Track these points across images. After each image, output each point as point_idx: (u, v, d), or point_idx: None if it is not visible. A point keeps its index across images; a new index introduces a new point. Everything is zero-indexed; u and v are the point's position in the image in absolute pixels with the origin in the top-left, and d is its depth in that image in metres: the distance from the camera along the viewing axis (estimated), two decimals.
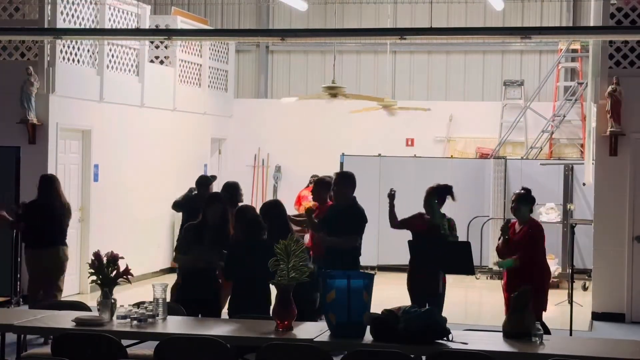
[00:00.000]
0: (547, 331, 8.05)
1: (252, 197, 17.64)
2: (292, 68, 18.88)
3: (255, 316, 7.06)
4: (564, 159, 16.11)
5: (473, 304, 13.65)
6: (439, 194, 8.91)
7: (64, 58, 12.68)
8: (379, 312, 6.27)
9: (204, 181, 11.93)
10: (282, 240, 6.48)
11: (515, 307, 6.40)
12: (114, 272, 6.75)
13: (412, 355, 6.01)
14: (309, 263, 6.75)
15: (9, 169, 12.17)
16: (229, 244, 8.18)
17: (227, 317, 7.66)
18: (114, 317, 6.69)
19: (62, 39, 11.84)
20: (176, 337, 6.33)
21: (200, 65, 16.73)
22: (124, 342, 6.44)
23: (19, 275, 11.58)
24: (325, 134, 17.61)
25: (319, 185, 10.03)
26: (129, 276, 6.82)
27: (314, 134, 17.71)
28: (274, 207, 8.92)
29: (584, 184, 14.13)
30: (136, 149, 14.41)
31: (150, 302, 6.84)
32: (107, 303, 6.71)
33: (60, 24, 12.30)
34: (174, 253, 8.63)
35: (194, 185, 12.24)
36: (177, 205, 12.50)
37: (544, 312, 8.60)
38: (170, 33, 13.09)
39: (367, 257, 13.76)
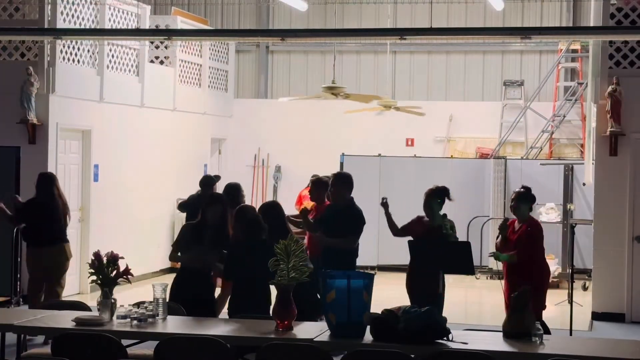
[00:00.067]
0: (547, 331, 8.06)
1: (252, 197, 17.64)
2: (292, 68, 18.88)
3: (255, 316, 7.06)
4: (564, 159, 16.12)
5: (473, 304, 13.65)
6: (438, 195, 8.89)
7: (64, 58, 12.68)
8: (379, 312, 6.28)
9: (208, 181, 11.90)
10: (282, 240, 6.48)
11: (515, 307, 6.40)
12: (114, 272, 6.75)
13: (412, 355, 6.01)
14: (309, 263, 6.74)
15: (9, 169, 12.17)
16: (229, 244, 8.19)
17: (227, 317, 7.66)
18: (114, 317, 6.70)
19: (62, 39, 11.83)
20: (176, 337, 6.33)
21: (200, 65, 16.74)
22: (124, 342, 6.44)
23: (19, 275, 11.58)
24: (325, 134, 17.62)
25: (317, 186, 10.03)
26: (129, 276, 6.82)
27: (314, 134, 17.72)
28: (272, 208, 8.93)
29: (584, 184, 14.13)
30: (136, 149, 14.42)
31: (150, 302, 6.84)
32: (107, 303, 6.71)
33: (60, 24, 12.30)
34: (172, 251, 8.59)
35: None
36: (182, 206, 12.47)
37: (543, 311, 8.60)
38: (170, 33, 13.09)
39: (367, 257, 13.85)
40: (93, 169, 13.35)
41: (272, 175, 18.14)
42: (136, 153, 14.42)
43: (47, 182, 10.03)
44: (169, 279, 8.47)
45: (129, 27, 13.86)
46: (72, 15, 12.74)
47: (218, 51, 17.43)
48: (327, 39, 15.31)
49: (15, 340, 7.32)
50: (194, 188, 13.19)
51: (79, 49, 13.00)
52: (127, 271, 6.79)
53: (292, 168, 17.76)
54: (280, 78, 18.95)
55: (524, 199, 8.77)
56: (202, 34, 14.32)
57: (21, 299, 11.60)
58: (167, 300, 6.95)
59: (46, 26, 12.17)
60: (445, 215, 8.77)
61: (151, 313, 6.69)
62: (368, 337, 6.23)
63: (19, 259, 11.46)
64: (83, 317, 6.73)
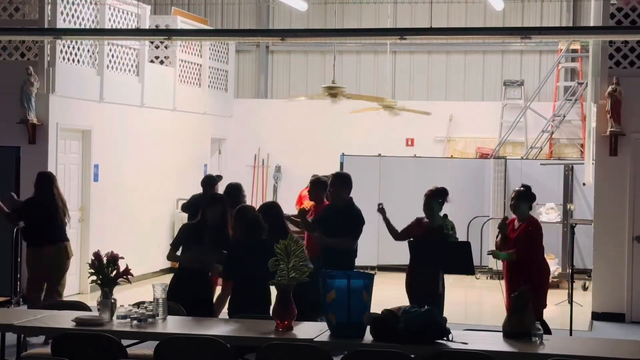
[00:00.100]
0: (548, 330, 8.07)
1: (252, 197, 17.64)
2: (292, 68, 18.88)
3: (255, 316, 7.06)
4: (564, 159, 16.11)
5: (473, 304, 13.65)
6: (438, 196, 8.88)
7: (64, 58, 12.68)
8: (379, 312, 6.28)
9: (210, 181, 11.86)
10: (282, 240, 6.48)
11: (515, 307, 6.41)
12: (114, 272, 6.75)
13: (412, 355, 6.01)
14: (309, 263, 6.74)
15: (9, 169, 12.17)
16: (229, 244, 8.19)
17: (227, 317, 7.65)
18: (114, 317, 6.69)
19: (62, 39, 11.84)
20: (176, 337, 6.33)
21: (200, 65, 16.74)
22: (124, 342, 6.44)
23: (19, 275, 11.58)
24: (325, 134, 17.62)
25: (316, 185, 10.02)
26: (129, 276, 6.82)
27: (314, 134, 17.72)
28: (270, 209, 8.92)
29: (584, 184, 14.13)
30: (136, 149, 14.42)
31: (150, 302, 6.84)
32: (107, 303, 6.71)
33: (60, 24, 12.30)
34: (170, 250, 8.56)
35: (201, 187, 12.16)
36: (184, 207, 12.38)
37: (544, 310, 8.60)
38: (170, 33, 13.10)
39: (367, 257, 13.86)
40: (93, 169, 13.35)
41: (272, 175, 18.14)
42: (136, 153, 14.42)
43: (47, 181, 10.02)
44: (169, 279, 8.46)
45: (129, 27, 13.86)
46: (72, 15, 12.74)
47: (218, 51, 17.44)
48: (327, 39, 15.31)
49: (15, 341, 7.31)
50: (194, 188, 13.17)
51: (79, 49, 13.00)
52: (127, 271, 6.79)
53: (292, 168, 17.77)
54: (280, 78, 18.95)
55: (524, 198, 8.79)
56: (202, 34, 14.33)
57: (21, 299, 11.59)
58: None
59: (46, 26, 12.17)
60: (446, 215, 8.77)
61: (151, 313, 6.69)
62: (368, 337, 6.23)
63: (19, 259, 11.46)
64: (83, 317, 6.73)
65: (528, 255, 8.58)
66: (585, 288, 13.94)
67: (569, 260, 12.56)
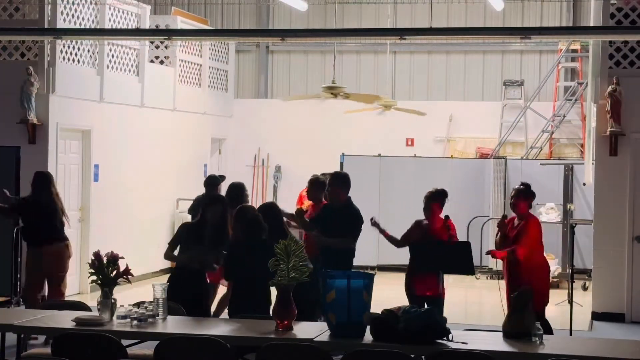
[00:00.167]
0: (549, 329, 8.08)
1: (252, 198, 17.63)
2: (292, 68, 18.88)
3: (255, 316, 7.06)
4: (564, 159, 16.12)
5: (473, 304, 13.65)
6: (439, 197, 8.87)
7: (64, 58, 12.68)
8: (379, 312, 6.28)
9: (212, 181, 11.82)
10: (282, 240, 6.48)
11: (515, 307, 6.41)
12: (114, 272, 6.75)
13: (412, 355, 6.01)
14: (309, 263, 6.74)
15: (9, 169, 12.17)
16: (228, 244, 8.18)
17: (227, 317, 7.66)
18: (114, 317, 6.70)
19: (62, 39, 11.83)
20: (176, 337, 6.33)
21: (200, 65, 16.74)
22: (124, 342, 6.44)
23: (19, 275, 11.57)
24: (325, 134, 17.62)
25: (314, 185, 10.01)
26: (129, 276, 6.82)
27: (314, 134, 17.72)
28: (269, 210, 8.90)
29: (584, 184, 14.13)
30: (136, 149, 14.42)
31: (150, 302, 6.84)
32: (107, 303, 6.71)
33: (60, 24, 12.30)
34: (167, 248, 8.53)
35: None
36: (191, 209, 12.28)
37: (546, 309, 8.61)
38: (170, 33, 13.10)
39: (367, 257, 13.84)
40: (93, 169, 13.35)
41: (272, 175, 18.14)
42: (136, 153, 14.42)
43: (45, 181, 10.00)
44: None
45: (129, 27, 13.86)
46: (72, 15, 12.74)
47: (218, 51, 17.44)
48: (327, 39, 15.31)
49: (15, 341, 7.31)
50: (194, 188, 13.19)
51: (79, 49, 13.00)
52: (127, 271, 6.79)
53: (292, 168, 17.76)
54: (280, 78, 18.95)
55: (524, 196, 8.80)
56: (202, 34, 14.33)
57: (21, 299, 11.59)
58: None
59: (46, 26, 12.17)
60: (447, 216, 8.76)
61: (151, 313, 6.69)
62: (368, 337, 6.23)
63: (19, 259, 11.46)
64: (83, 317, 6.73)
65: (528, 252, 8.59)
66: (585, 288, 13.94)
67: (569, 260, 12.56)
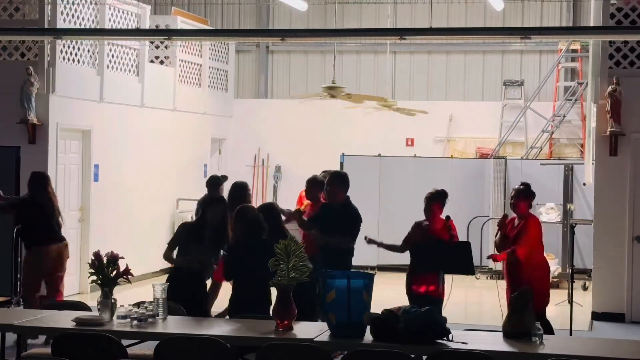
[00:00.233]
0: (550, 329, 8.08)
1: (253, 198, 17.62)
2: (292, 68, 18.88)
3: (255, 316, 7.06)
4: (564, 159, 16.12)
5: (473, 304, 13.64)
6: (440, 198, 8.87)
7: (64, 58, 12.68)
8: (379, 312, 6.28)
9: (215, 182, 11.81)
10: (282, 240, 6.48)
11: (515, 307, 6.41)
12: (114, 272, 6.75)
13: (412, 355, 6.01)
14: (309, 263, 6.74)
15: (9, 169, 12.17)
16: (228, 245, 8.18)
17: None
18: (114, 317, 6.70)
19: (62, 39, 11.84)
20: (176, 337, 6.33)
21: (200, 65, 16.74)
22: (124, 342, 6.44)
23: (19, 275, 11.57)
24: (325, 134, 17.62)
25: (312, 184, 10.02)
26: (129, 276, 6.82)
27: (314, 134, 17.72)
28: (268, 210, 8.89)
29: (584, 184, 14.14)
30: (136, 149, 14.42)
31: (150, 302, 6.84)
32: (107, 303, 6.71)
33: (60, 24, 12.30)
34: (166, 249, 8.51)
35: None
36: (196, 213, 12.23)
37: (546, 309, 8.61)
38: (170, 33, 13.10)
39: (367, 257, 13.82)
40: (93, 169, 13.35)
41: (272, 175, 18.14)
42: (136, 153, 14.42)
43: (43, 181, 10.00)
44: None
45: (129, 27, 13.86)
46: (72, 15, 12.74)
47: (218, 51, 17.44)
48: (327, 39, 15.31)
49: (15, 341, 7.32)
50: (194, 188, 13.19)
51: (79, 49, 13.00)
52: (127, 271, 6.79)
53: (292, 168, 17.76)
54: (280, 78, 18.95)
55: (524, 196, 8.81)
56: (202, 34, 14.33)
57: (21, 299, 11.59)
58: None
59: (46, 26, 12.17)
60: (448, 217, 8.76)
61: (151, 313, 6.69)
62: (368, 337, 6.23)
63: (19, 259, 11.46)
64: (83, 317, 6.73)
65: (527, 251, 8.59)
66: (585, 288, 13.94)
67: (569, 260, 12.56)
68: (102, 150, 13.51)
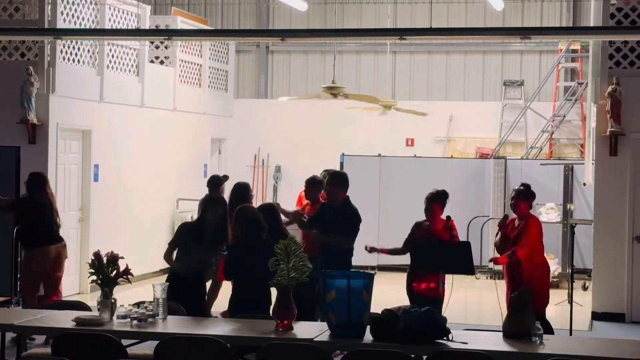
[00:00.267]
0: (550, 329, 8.07)
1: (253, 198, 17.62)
2: (292, 68, 18.88)
3: (255, 316, 7.06)
4: (564, 159, 16.12)
5: (473, 304, 13.64)
6: (440, 198, 8.87)
7: (64, 58, 12.68)
8: (379, 312, 6.28)
9: (215, 181, 11.80)
10: (282, 240, 6.48)
11: (515, 307, 6.41)
12: (114, 272, 6.75)
13: (412, 355, 6.01)
14: (309, 263, 6.74)
15: (9, 169, 12.15)
16: (227, 245, 8.18)
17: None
18: (114, 317, 6.70)
19: (62, 39, 11.84)
20: (176, 337, 6.33)
21: (200, 65, 16.74)
22: (124, 342, 6.44)
23: (19, 275, 11.56)
24: (325, 134, 17.62)
25: (311, 184, 10.02)
26: (129, 276, 6.82)
27: (314, 134, 17.72)
28: (268, 211, 8.89)
29: (584, 184, 14.14)
30: (136, 149, 14.42)
31: (150, 302, 6.84)
32: (107, 303, 6.71)
33: (60, 24, 12.30)
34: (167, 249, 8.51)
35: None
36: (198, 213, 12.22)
37: (546, 309, 8.61)
38: (170, 33, 13.10)
39: (367, 257, 13.74)
40: (93, 169, 13.35)
41: (272, 175, 18.14)
42: (136, 153, 14.42)
43: (41, 182, 10.00)
44: None
45: (129, 27, 13.86)
46: (72, 15, 12.74)
47: (218, 51, 17.44)
48: (327, 39, 15.31)
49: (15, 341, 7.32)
50: (194, 188, 13.19)
51: (79, 49, 13.00)
52: (127, 271, 6.79)
53: (292, 168, 17.76)
54: (280, 78, 18.95)
55: (524, 197, 8.81)
56: (202, 34, 14.33)
57: (21, 299, 11.59)
58: None
59: (46, 26, 12.17)
60: (448, 217, 8.75)
61: (151, 313, 6.69)
62: (368, 337, 6.23)
63: (19, 259, 11.45)
64: (83, 317, 6.73)
65: (528, 252, 8.59)
66: (585, 288, 13.94)
67: (569, 260, 12.56)
68: (102, 150, 13.51)
